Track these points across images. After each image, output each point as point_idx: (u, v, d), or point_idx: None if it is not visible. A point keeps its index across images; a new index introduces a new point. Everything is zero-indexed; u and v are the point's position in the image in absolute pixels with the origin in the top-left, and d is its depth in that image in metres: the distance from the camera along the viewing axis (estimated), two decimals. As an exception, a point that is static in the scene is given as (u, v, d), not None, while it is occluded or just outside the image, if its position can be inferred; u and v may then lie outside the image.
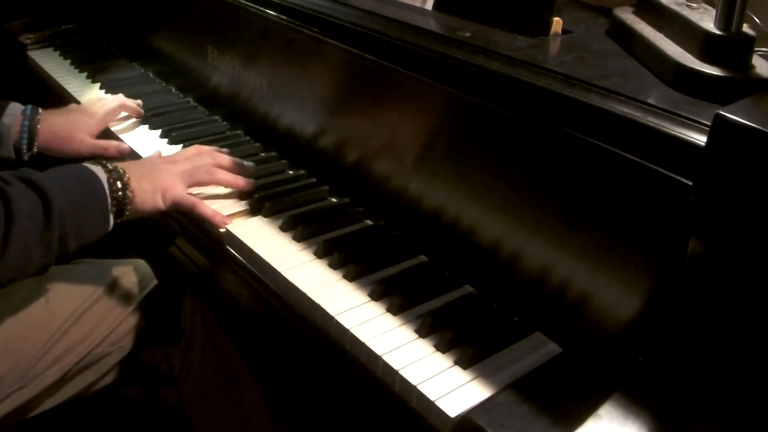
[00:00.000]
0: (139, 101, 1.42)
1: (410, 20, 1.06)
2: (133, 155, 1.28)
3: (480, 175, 0.92)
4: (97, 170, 0.96)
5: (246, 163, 1.17)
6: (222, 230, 1.06)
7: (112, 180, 0.96)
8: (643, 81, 0.84)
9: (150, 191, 1.01)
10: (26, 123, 1.24)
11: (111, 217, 0.96)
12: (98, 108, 1.34)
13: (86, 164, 0.97)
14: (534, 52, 0.92)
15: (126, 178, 0.98)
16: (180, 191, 1.06)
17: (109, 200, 0.95)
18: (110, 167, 0.98)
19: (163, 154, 1.20)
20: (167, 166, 1.08)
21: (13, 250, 0.83)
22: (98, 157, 1.22)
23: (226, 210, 1.09)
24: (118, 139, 1.35)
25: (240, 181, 1.12)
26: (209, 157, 1.12)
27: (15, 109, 1.25)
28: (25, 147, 1.24)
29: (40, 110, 1.27)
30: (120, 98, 1.39)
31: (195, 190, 1.11)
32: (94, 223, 0.94)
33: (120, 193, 0.97)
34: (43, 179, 0.89)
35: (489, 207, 0.91)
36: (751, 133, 0.65)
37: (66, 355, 1.04)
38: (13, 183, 0.87)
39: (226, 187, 1.13)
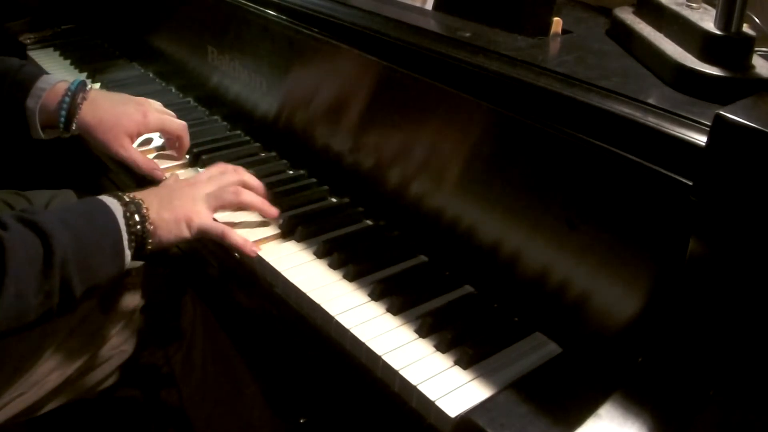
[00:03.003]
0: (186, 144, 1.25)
1: (410, 20, 1.05)
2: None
3: (480, 174, 0.92)
4: (112, 204, 0.90)
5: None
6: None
7: (129, 214, 0.90)
8: (643, 81, 0.84)
9: (173, 221, 0.94)
10: (67, 98, 1.13)
11: (127, 254, 0.90)
12: (159, 116, 1.20)
13: (101, 197, 0.91)
14: (534, 52, 0.92)
15: (144, 210, 0.92)
16: (206, 218, 0.98)
17: (126, 236, 0.89)
18: (127, 199, 0.91)
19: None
20: (189, 189, 1.00)
21: (6, 300, 0.77)
22: (130, 168, 1.17)
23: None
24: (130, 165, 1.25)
25: (267, 205, 1.05)
26: (234, 175, 1.06)
27: (46, 83, 1.15)
28: (62, 125, 1.13)
29: (90, 86, 1.17)
30: (185, 124, 1.23)
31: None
32: (105, 263, 0.87)
33: (139, 227, 0.90)
34: (47, 221, 0.82)
35: (489, 207, 0.91)
36: (751, 133, 0.65)
37: (67, 361, 1.02)
38: (12, 227, 0.80)
39: (252, 210, 1.06)
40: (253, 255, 1.00)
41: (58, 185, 1.27)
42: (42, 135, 1.17)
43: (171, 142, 1.25)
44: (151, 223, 0.92)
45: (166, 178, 1.15)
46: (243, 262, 1.03)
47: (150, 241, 0.92)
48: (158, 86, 1.58)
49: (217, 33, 1.36)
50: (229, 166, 1.08)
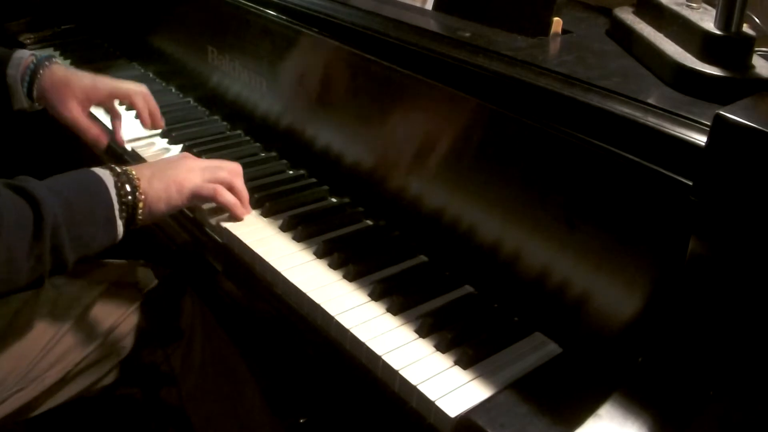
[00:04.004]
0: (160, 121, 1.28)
1: (410, 20, 1.06)
2: (133, 156, 1.28)
3: (480, 175, 0.92)
4: (104, 174, 0.92)
5: None
6: (223, 228, 1.06)
7: (120, 184, 0.92)
8: (643, 81, 0.84)
9: (163, 189, 0.96)
10: (31, 66, 1.18)
11: (119, 224, 0.91)
12: (110, 82, 1.23)
13: (94, 169, 0.93)
14: (534, 52, 0.92)
15: (136, 181, 0.94)
16: (198, 181, 1.00)
17: (117, 206, 0.91)
18: (119, 170, 0.94)
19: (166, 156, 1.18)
20: (186, 162, 1.03)
21: None
22: (75, 134, 1.20)
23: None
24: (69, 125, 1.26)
25: (247, 203, 1.07)
26: (235, 165, 1.08)
27: (22, 54, 1.20)
28: (24, 91, 1.19)
29: (54, 60, 1.21)
30: (142, 89, 1.24)
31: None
32: (97, 232, 0.89)
33: (129, 197, 0.92)
34: (38, 188, 0.84)
35: (489, 207, 0.91)
36: (751, 133, 0.65)
37: (66, 356, 1.03)
38: (2, 193, 0.82)
39: (234, 197, 1.06)
40: (243, 216, 1.04)
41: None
42: (25, 104, 1.20)
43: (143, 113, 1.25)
44: (142, 193, 0.93)
45: (116, 147, 1.23)
46: (243, 262, 1.03)
47: (141, 210, 0.94)
48: (158, 86, 1.58)
49: (217, 33, 1.36)
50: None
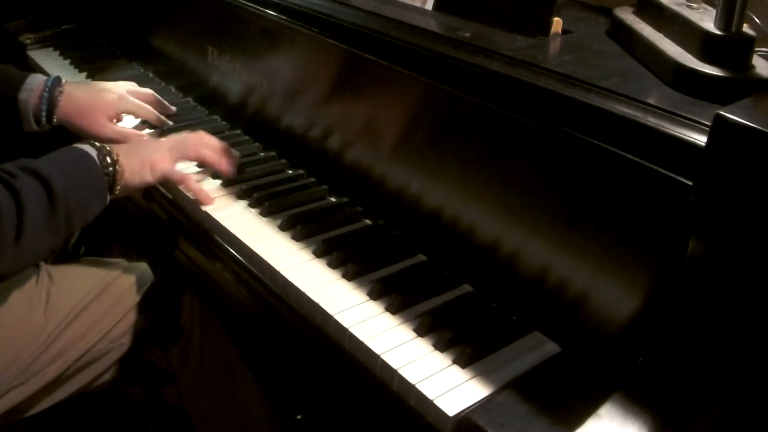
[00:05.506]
0: (172, 109, 1.41)
1: (410, 20, 1.05)
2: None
3: (479, 174, 0.92)
4: (87, 148, 1.00)
5: (233, 151, 1.20)
6: (219, 222, 1.06)
7: (101, 156, 1.00)
8: (643, 81, 0.84)
9: (138, 166, 1.05)
10: (45, 94, 1.24)
11: (107, 192, 0.99)
12: (127, 94, 1.33)
13: (78, 146, 1.01)
14: (534, 52, 0.92)
15: (114, 155, 1.01)
16: (168, 164, 1.09)
17: (103, 177, 0.99)
18: (98, 145, 1.01)
19: None
20: (155, 142, 1.12)
21: (26, 238, 0.87)
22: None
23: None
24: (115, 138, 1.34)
25: (223, 163, 1.15)
26: (197, 137, 1.17)
27: (35, 81, 1.26)
28: (44, 118, 1.25)
29: (64, 81, 1.27)
30: (152, 93, 1.38)
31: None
32: (93, 200, 0.98)
33: (110, 168, 1.00)
34: (42, 166, 0.92)
35: (488, 207, 0.91)
36: (751, 133, 0.65)
37: (66, 352, 1.04)
38: (18, 175, 0.90)
39: (209, 167, 1.16)
40: (208, 203, 1.10)
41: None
42: (35, 127, 1.27)
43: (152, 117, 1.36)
44: (120, 166, 1.01)
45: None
46: (243, 261, 1.03)
47: (119, 182, 1.01)
48: (158, 86, 1.57)
49: (217, 33, 1.36)
50: (194, 132, 1.19)
